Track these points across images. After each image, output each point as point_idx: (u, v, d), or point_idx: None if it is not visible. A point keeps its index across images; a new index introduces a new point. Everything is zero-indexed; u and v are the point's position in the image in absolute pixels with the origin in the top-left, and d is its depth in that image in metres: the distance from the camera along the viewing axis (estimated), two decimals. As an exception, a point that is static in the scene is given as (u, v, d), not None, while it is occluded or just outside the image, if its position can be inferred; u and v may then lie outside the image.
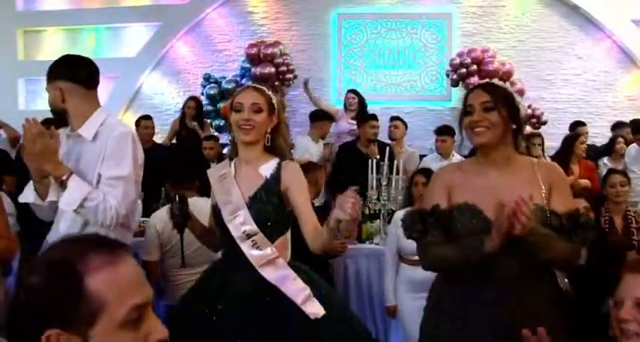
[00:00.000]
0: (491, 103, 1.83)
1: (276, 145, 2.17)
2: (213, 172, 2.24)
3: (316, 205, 3.80)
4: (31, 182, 2.21)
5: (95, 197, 2.13)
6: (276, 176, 2.12)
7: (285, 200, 2.12)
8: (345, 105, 6.05)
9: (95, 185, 2.18)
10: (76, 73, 2.25)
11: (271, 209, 2.10)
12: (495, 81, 1.98)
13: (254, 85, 2.23)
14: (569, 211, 1.80)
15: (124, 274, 0.93)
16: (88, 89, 2.28)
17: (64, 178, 2.11)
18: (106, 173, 2.19)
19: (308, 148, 5.49)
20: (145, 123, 5.52)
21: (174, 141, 6.10)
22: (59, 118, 2.28)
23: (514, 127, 1.86)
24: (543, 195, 1.82)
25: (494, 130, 1.83)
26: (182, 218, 2.15)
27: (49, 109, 2.31)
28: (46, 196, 2.19)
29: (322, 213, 3.57)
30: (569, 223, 1.78)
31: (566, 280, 3.05)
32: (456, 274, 1.87)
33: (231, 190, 2.13)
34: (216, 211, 2.17)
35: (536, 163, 1.93)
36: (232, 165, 2.21)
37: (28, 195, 2.22)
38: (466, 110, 1.89)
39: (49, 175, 2.13)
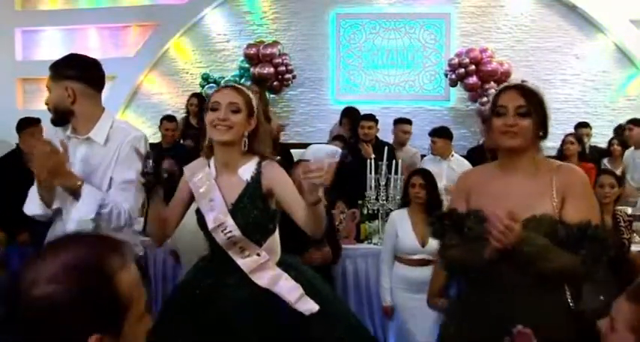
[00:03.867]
0: (526, 109, 1.77)
1: (254, 150, 2.07)
2: (192, 174, 2.12)
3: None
4: (34, 192, 2.17)
5: (108, 203, 2.10)
6: (257, 179, 2.04)
7: (270, 201, 2.07)
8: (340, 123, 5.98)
9: (107, 188, 2.17)
10: (88, 75, 2.21)
11: (257, 214, 2.04)
12: (529, 84, 1.91)
13: (233, 84, 2.14)
14: (579, 222, 1.70)
15: (135, 271, 0.96)
16: (96, 91, 2.25)
17: (78, 185, 2.08)
18: (119, 177, 2.17)
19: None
20: (166, 124, 5.57)
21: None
22: (61, 118, 2.23)
23: (541, 133, 1.81)
24: (554, 204, 1.75)
25: (524, 136, 1.77)
26: (154, 176, 1.95)
27: (46, 109, 2.27)
28: (51, 204, 2.17)
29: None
30: (575, 234, 1.69)
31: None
32: (464, 279, 1.87)
33: (213, 196, 2.05)
34: (200, 217, 2.10)
35: (556, 168, 1.84)
36: (212, 166, 2.12)
37: (33, 207, 2.18)
38: (497, 111, 1.81)
39: (62, 187, 2.10)
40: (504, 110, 1.79)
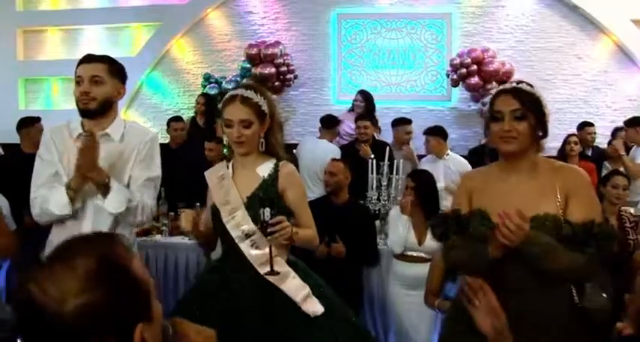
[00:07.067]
0: (521, 112, 1.77)
1: (270, 144, 2.18)
2: (211, 174, 2.26)
3: (313, 198, 3.81)
4: (62, 193, 2.18)
5: (134, 197, 2.23)
6: (274, 177, 2.15)
7: (283, 201, 2.14)
8: (352, 106, 6.08)
9: (126, 185, 2.26)
10: (125, 81, 2.38)
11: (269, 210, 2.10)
12: (523, 86, 1.86)
13: (242, 94, 2.11)
14: (583, 220, 1.71)
15: (138, 255, 1.01)
16: None
17: (107, 181, 2.16)
18: (142, 175, 2.29)
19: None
20: (175, 125, 5.67)
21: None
22: (100, 110, 2.27)
23: (540, 133, 1.82)
24: (558, 204, 1.75)
25: (522, 139, 1.79)
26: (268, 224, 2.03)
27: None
28: (75, 203, 2.21)
29: (322, 205, 3.62)
30: (581, 233, 1.69)
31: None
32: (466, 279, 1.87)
33: (229, 191, 2.15)
34: (214, 212, 2.18)
35: (557, 168, 1.85)
36: (230, 166, 2.23)
37: (62, 207, 2.20)
38: (494, 116, 1.82)
39: (94, 182, 2.16)
40: (500, 115, 1.80)
